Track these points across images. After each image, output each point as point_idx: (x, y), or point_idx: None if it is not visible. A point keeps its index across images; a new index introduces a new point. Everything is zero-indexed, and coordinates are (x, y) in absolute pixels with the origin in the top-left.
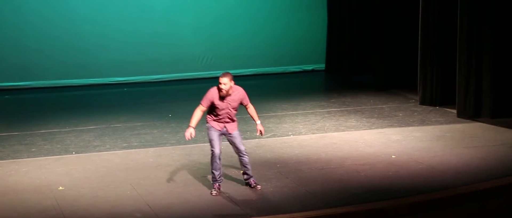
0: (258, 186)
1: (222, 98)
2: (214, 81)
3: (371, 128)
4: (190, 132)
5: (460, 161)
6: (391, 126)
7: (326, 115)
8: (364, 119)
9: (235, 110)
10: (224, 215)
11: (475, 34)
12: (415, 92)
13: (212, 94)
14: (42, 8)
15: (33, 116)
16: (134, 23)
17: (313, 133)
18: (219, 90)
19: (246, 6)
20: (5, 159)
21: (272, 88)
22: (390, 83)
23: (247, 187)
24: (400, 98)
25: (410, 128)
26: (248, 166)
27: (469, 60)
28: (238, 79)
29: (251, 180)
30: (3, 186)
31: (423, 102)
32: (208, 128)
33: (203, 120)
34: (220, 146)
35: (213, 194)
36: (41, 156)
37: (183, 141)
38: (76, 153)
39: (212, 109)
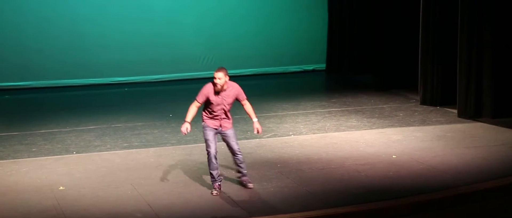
0: (250, 184)
1: (217, 93)
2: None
3: (371, 128)
4: (186, 127)
5: (460, 161)
6: (392, 126)
7: (326, 115)
8: (365, 119)
9: (230, 106)
10: (225, 215)
11: (475, 34)
12: (416, 92)
13: (207, 89)
14: (42, 8)
15: (33, 116)
16: (135, 23)
17: (314, 133)
18: (214, 85)
19: (247, 6)
20: (6, 159)
21: (273, 88)
22: (391, 83)
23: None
24: (401, 98)
25: (411, 128)
26: (242, 165)
27: (470, 60)
28: (239, 79)
29: (244, 179)
30: (4, 186)
31: (423, 102)
32: (203, 127)
33: (199, 119)
34: (215, 145)
35: (214, 194)
36: (42, 156)
37: (184, 141)
38: (76, 153)
39: (207, 106)
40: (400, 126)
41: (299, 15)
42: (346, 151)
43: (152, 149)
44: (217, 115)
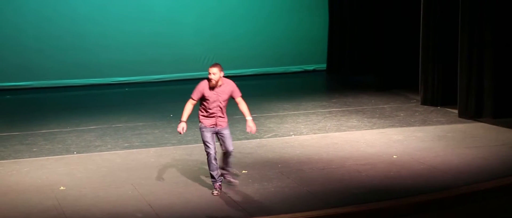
0: (235, 180)
1: (212, 88)
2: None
3: (372, 128)
4: (182, 126)
5: (461, 161)
6: (393, 126)
7: (327, 115)
8: (366, 119)
9: (226, 103)
10: (225, 215)
11: (476, 33)
12: (417, 92)
13: (202, 86)
14: (42, 8)
15: (34, 116)
16: (135, 23)
17: (315, 133)
18: (209, 80)
19: (247, 6)
20: (7, 159)
21: (274, 88)
22: (392, 83)
23: (247, 187)
24: (402, 98)
25: (412, 128)
26: (231, 166)
27: (471, 60)
28: (239, 79)
29: (227, 176)
30: (5, 186)
31: (424, 102)
32: (200, 129)
33: (195, 117)
34: (214, 146)
35: (215, 194)
36: (43, 156)
37: (185, 141)
38: (77, 153)
39: (203, 103)
40: (401, 126)
41: (299, 15)
42: (347, 151)
43: (152, 149)
44: (213, 113)
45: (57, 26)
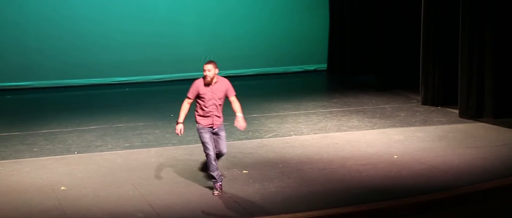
0: (218, 192)
1: (207, 85)
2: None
3: (373, 128)
4: (179, 128)
5: (462, 161)
6: (393, 126)
7: (328, 115)
8: (366, 119)
9: (222, 102)
10: (226, 215)
11: (477, 33)
12: (417, 92)
13: (197, 84)
14: (43, 8)
15: (34, 116)
16: (136, 23)
17: (315, 133)
18: (204, 77)
19: (248, 6)
20: (7, 159)
21: (274, 88)
22: (392, 83)
23: (247, 187)
24: (402, 98)
25: (412, 128)
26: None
27: (471, 60)
28: (240, 79)
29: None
30: (5, 186)
31: (425, 102)
32: (198, 130)
33: (193, 118)
34: (214, 147)
35: (216, 194)
36: (43, 156)
37: (185, 141)
38: (78, 153)
39: (198, 102)
40: (402, 126)
41: (300, 15)
42: (348, 151)
43: (153, 149)
44: (209, 112)
45: (58, 26)
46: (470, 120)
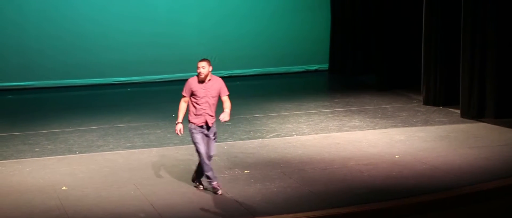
0: (201, 186)
1: (200, 82)
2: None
3: (374, 128)
4: (179, 128)
5: (463, 161)
6: (395, 126)
7: (329, 115)
8: (368, 119)
9: (215, 100)
10: (228, 215)
11: (479, 33)
12: (419, 92)
13: (190, 81)
14: (44, 8)
15: (36, 116)
16: (138, 23)
17: (317, 133)
18: (198, 74)
19: (250, 7)
20: (9, 159)
21: (276, 88)
22: (394, 83)
23: (249, 187)
24: (404, 98)
25: (414, 128)
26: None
27: (473, 60)
28: (241, 79)
29: (202, 180)
30: (7, 186)
31: (426, 102)
32: (190, 130)
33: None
34: (205, 146)
35: (219, 193)
36: (45, 156)
37: (187, 141)
38: (79, 153)
39: (192, 100)
40: (403, 126)
41: (301, 15)
42: (349, 151)
43: (154, 149)
44: (202, 110)
45: (58, 26)
46: (472, 120)
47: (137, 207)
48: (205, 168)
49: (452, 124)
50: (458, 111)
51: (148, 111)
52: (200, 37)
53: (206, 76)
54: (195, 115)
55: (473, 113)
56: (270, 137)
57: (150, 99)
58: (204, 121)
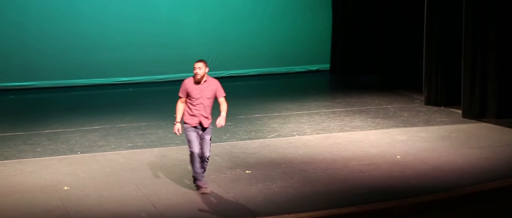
0: (206, 188)
1: (197, 83)
2: (218, 81)
3: (376, 128)
4: (177, 128)
5: (465, 162)
6: (396, 126)
7: (331, 115)
8: (369, 119)
9: (210, 102)
10: (229, 215)
11: (480, 34)
12: (420, 92)
13: (186, 82)
14: (45, 8)
15: (37, 116)
16: (138, 24)
17: (318, 133)
18: (194, 75)
19: (251, 7)
20: (10, 159)
21: (277, 88)
22: (395, 83)
23: (250, 187)
24: (405, 98)
25: (415, 128)
26: (203, 172)
27: (474, 60)
28: (242, 79)
29: (199, 183)
30: (9, 186)
31: (428, 102)
32: (185, 129)
33: None
34: (198, 146)
35: (208, 191)
36: (46, 156)
37: None
38: (81, 153)
39: (187, 101)
40: (405, 126)
41: (303, 15)
42: (350, 152)
43: (156, 149)
44: (196, 111)
45: (60, 26)
46: (473, 120)
47: (138, 207)
48: (196, 166)
49: (454, 124)
50: (460, 111)
51: (149, 111)
52: (200, 37)
53: (202, 77)
54: (190, 115)
55: (474, 113)
56: (272, 137)
57: (151, 99)
58: (198, 122)
